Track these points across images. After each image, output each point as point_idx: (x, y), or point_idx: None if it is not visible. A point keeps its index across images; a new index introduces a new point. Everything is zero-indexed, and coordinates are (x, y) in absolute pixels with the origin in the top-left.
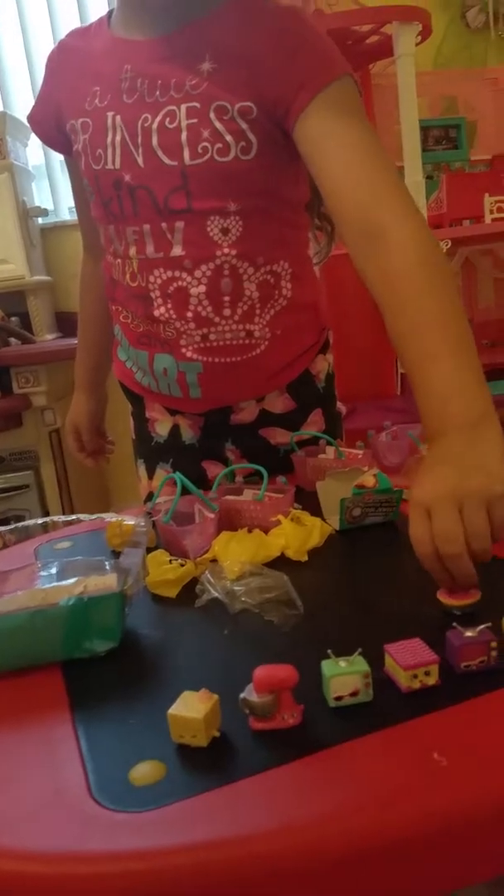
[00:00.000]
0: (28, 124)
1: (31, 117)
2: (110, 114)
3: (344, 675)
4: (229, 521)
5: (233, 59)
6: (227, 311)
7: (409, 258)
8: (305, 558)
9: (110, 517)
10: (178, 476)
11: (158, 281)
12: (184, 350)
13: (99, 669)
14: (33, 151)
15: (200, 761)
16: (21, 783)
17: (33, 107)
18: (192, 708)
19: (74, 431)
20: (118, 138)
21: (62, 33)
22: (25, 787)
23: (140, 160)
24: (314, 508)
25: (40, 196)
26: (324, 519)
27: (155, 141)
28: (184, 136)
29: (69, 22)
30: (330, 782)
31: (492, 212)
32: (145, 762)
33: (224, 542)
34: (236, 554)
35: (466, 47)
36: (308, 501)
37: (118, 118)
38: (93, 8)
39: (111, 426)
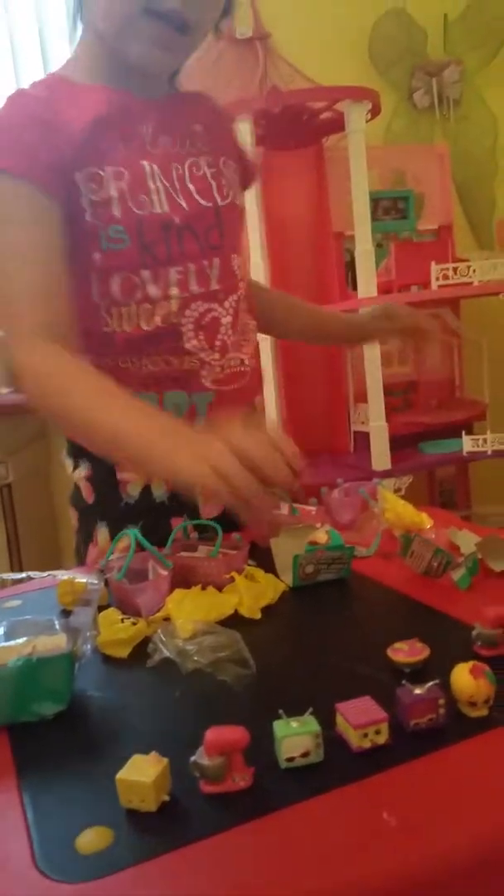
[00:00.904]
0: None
1: (15, 168)
2: (145, 162)
3: (295, 736)
4: (183, 579)
5: (212, 124)
6: (234, 339)
7: None
8: (259, 616)
9: (62, 575)
10: (132, 533)
11: (195, 314)
12: (203, 380)
13: (46, 733)
14: None
15: (150, 826)
16: None
17: (13, 158)
18: (141, 772)
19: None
20: (159, 185)
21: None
22: None
23: (183, 203)
24: (268, 565)
25: None
26: (277, 575)
27: (190, 186)
28: (211, 181)
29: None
30: (281, 845)
31: (438, 279)
32: (92, 829)
33: (178, 600)
34: (190, 612)
35: (414, 124)
36: (262, 558)
37: (154, 167)
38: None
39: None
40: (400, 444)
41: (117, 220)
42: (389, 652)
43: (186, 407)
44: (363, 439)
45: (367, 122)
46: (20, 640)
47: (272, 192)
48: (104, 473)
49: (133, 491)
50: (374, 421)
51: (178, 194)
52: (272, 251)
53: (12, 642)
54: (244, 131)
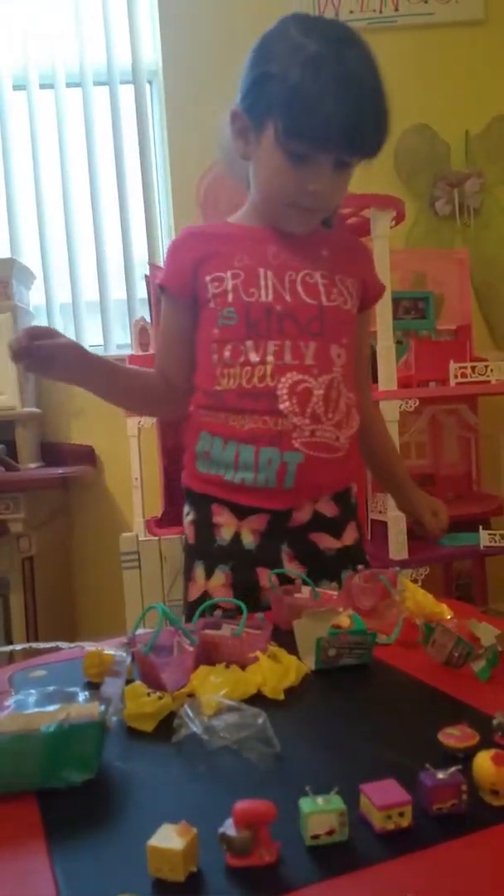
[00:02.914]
0: (163, 288)
1: (167, 284)
2: (261, 269)
3: (321, 814)
4: (207, 655)
5: (340, 250)
6: (330, 415)
7: None
8: (282, 697)
9: (89, 646)
10: (160, 607)
11: (289, 382)
12: (294, 442)
13: (74, 799)
14: (35, 293)
15: None
16: None
17: (166, 277)
18: (171, 840)
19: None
20: (269, 283)
21: (70, 184)
22: None
23: (287, 297)
24: (289, 647)
25: None
26: (299, 657)
27: (299, 287)
28: (321, 287)
29: (77, 175)
30: None
31: (456, 376)
32: (122, 895)
33: (202, 677)
34: (214, 689)
35: (435, 231)
36: (283, 640)
37: (268, 272)
38: (104, 172)
39: (77, 562)
40: (417, 535)
41: (229, 303)
42: (441, 737)
43: (278, 463)
44: (380, 528)
45: (391, 228)
46: (54, 707)
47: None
48: (204, 517)
49: (226, 535)
50: (392, 511)
51: (286, 291)
52: None
53: (46, 708)
54: None
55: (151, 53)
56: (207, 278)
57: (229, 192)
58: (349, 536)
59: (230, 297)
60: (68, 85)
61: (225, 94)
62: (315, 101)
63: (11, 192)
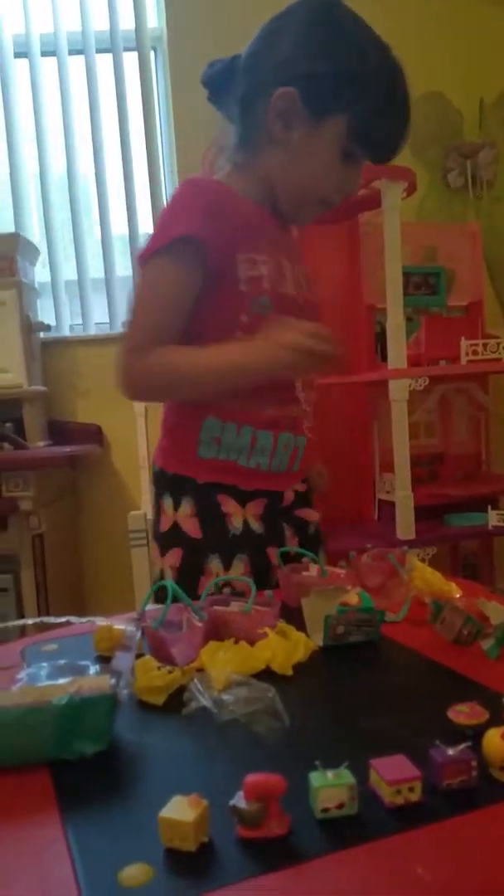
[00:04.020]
0: (186, 237)
1: (200, 236)
2: (282, 259)
3: (331, 787)
4: (216, 632)
5: (297, 242)
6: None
7: None
8: (290, 672)
9: (100, 621)
10: (169, 584)
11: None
12: (304, 426)
13: (87, 772)
14: (39, 270)
15: (188, 866)
16: (9, 881)
17: (197, 226)
18: (182, 812)
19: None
20: (289, 275)
21: (75, 157)
22: (14, 885)
23: (300, 291)
24: (297, 624)
25: (44, 312)
26: (307, 635)
27: (302, 280)
28: (309, 281)
29: (82, 146)
30: (317, 893)
31: (467, 354)
32: (135, 864)
33: (211, 652)
34: (222, 664)
35: (447, 204)
36: (291, 618)
37: (286, 263)
38: (110, 153)
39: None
40: (424, 515)
41: (266, 292)
42: (451, 714)
43: (292, 447)
44: (388, 509)
45: (402, 199)
46: (66, 680)
47: (308, 263)
48: (211, 509)
49: (237, 523)
50: (401, 491)
51: (299, 285)
52: None
53: (58, 681)
54: None
55: (155, 19)
56: (241, 256)
57: None
58: (315, 510)
59: (266, 285)
60: (71, 52)
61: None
62: (390, 114)
63: (15, 164)
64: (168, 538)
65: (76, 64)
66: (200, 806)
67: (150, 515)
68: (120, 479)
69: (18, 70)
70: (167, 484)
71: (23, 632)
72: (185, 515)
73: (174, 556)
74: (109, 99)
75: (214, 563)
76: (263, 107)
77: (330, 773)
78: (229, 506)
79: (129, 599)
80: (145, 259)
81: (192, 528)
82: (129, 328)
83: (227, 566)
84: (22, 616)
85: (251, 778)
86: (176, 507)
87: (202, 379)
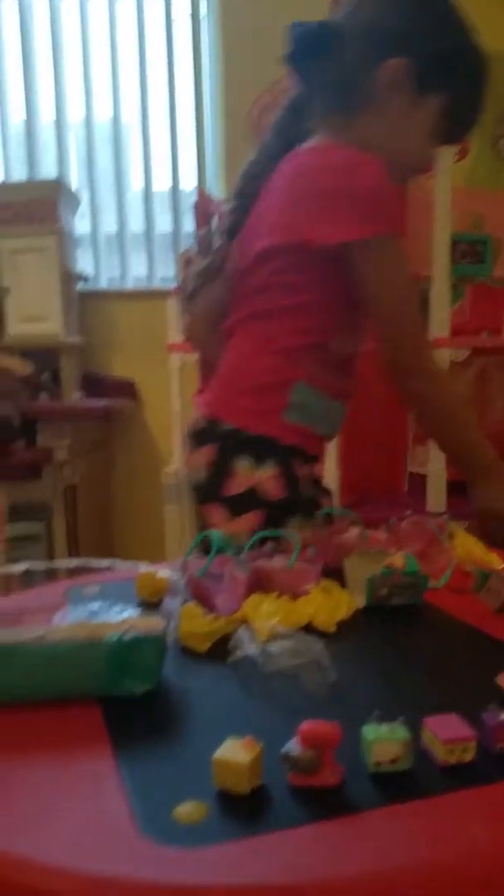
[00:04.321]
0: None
1: (400, 232)
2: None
3: (386, 741)
4: (258, 585)
5: None
6: None
7: None
8: (334, 629)
9: (144, 567)
10: (214, 535)
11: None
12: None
13: (136, 710)
14: (79, 221)
15: (241, 808)
16: (67, 811)
17: (397, 223)
18: (236, 754)
19: None
20: None
21: (122, 111)
22: (71, 814)
23: None
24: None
25: (83, 263)
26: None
27: None
28: None
29: (128, 93)
30: (370, 845)
31: None
32: (189, 802)
33: (255, 604)
34: (266, 616)
35: (497, 172)
36: (331, 578)
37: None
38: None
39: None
40: (455, 489)
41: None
42: (500, 680)
43: (343, 418)
44: (419, 481)
45: (453, 162)
46: (119, 618)
47: None
48: (290, 470)
49: (308, 486)
50: (434, 464)
51: None
52: None
53: (111, 619)
54: None
55: None
56: None
57: None
58: (347, 478)
59: None
60: None
61: (285, 8)
62: (481, 98)
63: (61, 110)
64: (242, 501)
65: (126, 8)
66: (255, 749)
67: (182, 472)
68: (152, 434)
69: (67, 13)
70: (244, 444)
71: (66, 575)
72: (268, 476)
73: (251, 520)
74: (159, 46)
75: (294, 524)
76: (370, 75)
77: (384, 727)
78: (302, 468)
79: (158, 553)
80: (374, 236)
81: (275, 489)
82: (410, 322)
83: (301, 528)
84: None
85: (307, 725)
86: (255, 468)
87: (454, 436)
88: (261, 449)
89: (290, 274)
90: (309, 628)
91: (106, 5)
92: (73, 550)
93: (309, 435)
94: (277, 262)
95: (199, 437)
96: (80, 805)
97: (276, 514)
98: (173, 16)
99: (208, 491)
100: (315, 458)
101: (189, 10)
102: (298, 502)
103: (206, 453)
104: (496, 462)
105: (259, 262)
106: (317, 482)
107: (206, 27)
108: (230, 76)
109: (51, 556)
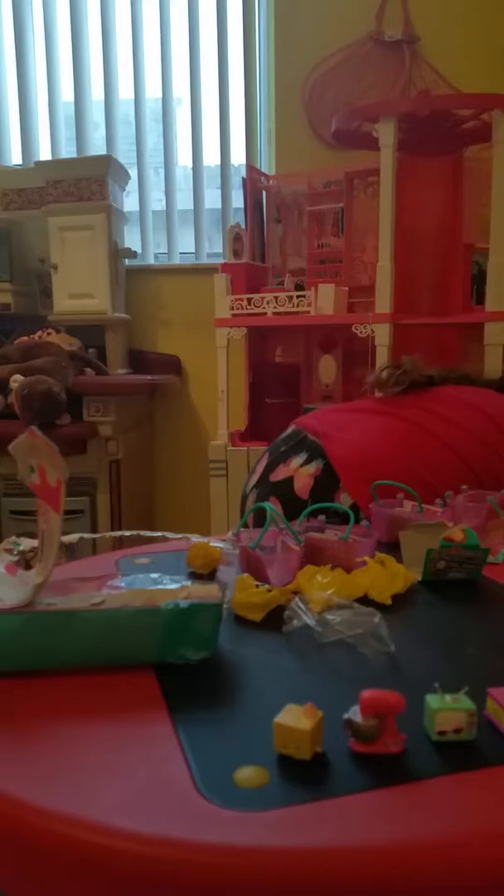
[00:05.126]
0: None
1: None
2: None
3: (449, 711)
4: (311, 558)
5: None
6: None
7: None
8: (389, 602)
9: (196, 538)
10: (268, 506)
11: None
12: None
13: (192, 677)
14: (128, 198)
15: (302, 773)
16: (128, 773)
17: None
18: (298, 720)
19: None
20: None
21: (171, 85)
22: (133, 777)
23: None
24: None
25: (130, 239)
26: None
27: None
28: None
29: (178, 69)
30: (432, 813)
31: None
32: (249, 767)
33: (309, 575)
34: (321, 587)
35: None
36: (385, 553)
37: None
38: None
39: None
40: None
41: None
42: None
43: None
44: None
45: None
46: (176, 585)
47: (406, 196)
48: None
49: None
50: None
51: None
52: (399, 254)
53: (169, 586)
54: (386, 132)
55: None
56: None
57: (337, 89)
58: None
59: None
60: None
61: None
62: None
63: (110, 86)
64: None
65: None
66: (316, 716)
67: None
68: (195, 411)
69: None
70: (308, 444)
71: (119, 544)
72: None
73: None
74: (210, 24)
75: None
76: None
77: (448, 697)
78: None
79: (202, 528)
80: None
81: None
82: None
83: None
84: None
85: (369, 693)
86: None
87: None
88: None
89: None
90: (364, 601)
91: None
92: (117, 525)
93: None
94: None
95: (295, 503)
96: (141, 769)
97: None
98: None
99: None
100: None
101: None
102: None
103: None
104: None
105: None
106: None
107: (259, 2)
108: (281, 51)
109: (95, 530)
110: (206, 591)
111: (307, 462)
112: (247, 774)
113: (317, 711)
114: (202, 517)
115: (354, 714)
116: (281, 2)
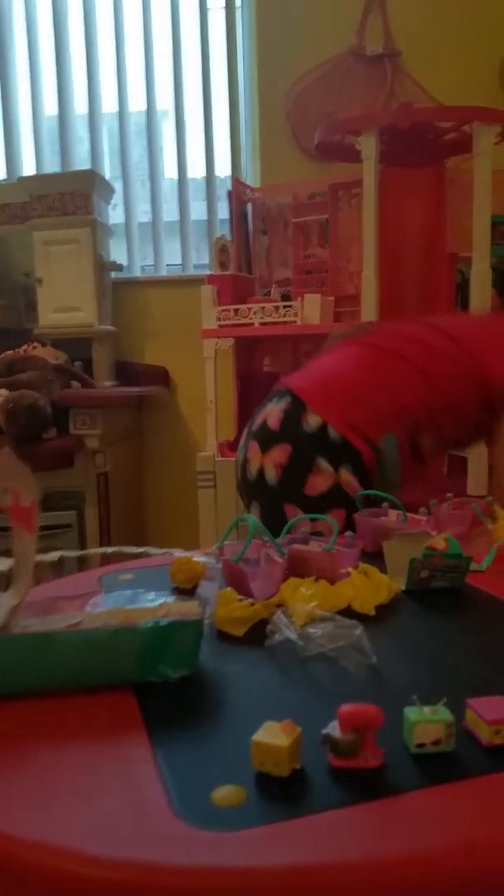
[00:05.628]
0: None
1: None
2: None
3: (428, 723)
4: (295, 570)
5: None
6: None
7: None
8: (373, 612)
9: (178, 553)
10: (251, 520)
11: None
12: None
13: (172, 695)
14: (112, 211)
15: (281, 791)
16: (103, 797)
17: None
18: (276, 737)
19: None
20: None
21: (154, 98)
22: (107, 800)
23: None
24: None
25: (117, 251)
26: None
27: None
28: None
29: (162, 81)
30: (411, 826)
31: None
32: (227, 785)
33: (292, 588)
34: (304, 600)
35: None
36: (370, 563)
37: None
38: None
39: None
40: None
41: None
42: None
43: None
44: (458, 464)
45: (495, 144)
46: (155, 603)
47: (390, 207)
48: (365, 481)
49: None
50: (473, 447)
51: None
52: (384, 264)
53: (148, 604)
54: (368, 145)
55: None
56: None
57: (319, 102)
58: None
59: None
60: None
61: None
62: None
63: (94, 100)
64: (325, 500)
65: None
66: (294, 732)
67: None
68: (184, 422)
69: (101, 4)
70: (330, 447)
71: (102, 560)
72: (349, 480)
73: (335, 518)
74: (192, 37)
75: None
76: None
77: (427, 709)
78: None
79: (191, 540)
80: None
81: (355, 490)
82: None
83: None
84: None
85: (347, 708)
86: (336, 470)
87: None
88: (342, 454)
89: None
90: (348, 612)
91: None
92: (106, 539)
93: (375, 470)
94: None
95: (269, 438)
96: (117, 792)
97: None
98: (208, 5)
99: (283, 491)
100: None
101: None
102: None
103: (279, 454)
104: None
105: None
106: None
107: (241, 16)
108: (264, 65)
109: (83, 544)
110: (186, 608)
111: (278, 402)
112: (224, 793)
113: (295, 728)
114: (192, 529)
115: (333, 729)
116: (263, 17)
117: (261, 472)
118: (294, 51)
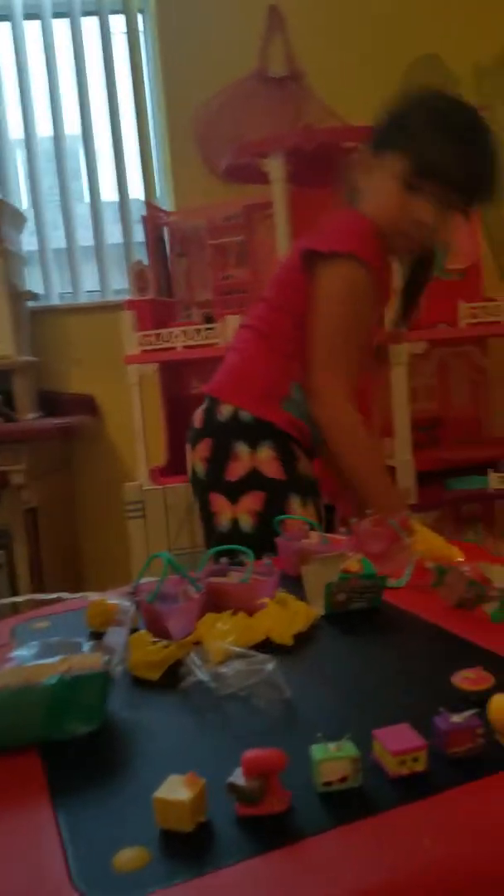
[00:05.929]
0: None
1: (371, 265)
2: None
3: (333, 761)
4: (214, 604)
5: None
6: None
7: None
8: (291, 642)
9: (93, 596)
10: (165, 556)
11: None
12: None
13: (79, 752)
14: (26, 238)
15: (185, 847)
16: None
17: (374, 259)
18: (178, 792)
19: None
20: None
21: (63, 126)
22: (4, 876)
23: None
24: (298, 593)
25: (32, 281)
26: (308, 604)
27: None
28: None
29: (69, 111)
30: (320, 871)
31: (467, 317)
32: (129, 848)
33: (209, 624)
34: (221, 636)
35: None
36: (291, 586)
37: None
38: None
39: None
40: (425, 479)
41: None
42: (455, 680)
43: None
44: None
45: None
46: (56, 658)
47: (303, 226)
48: (289, 454)
49: (307, 470)
50: (401, 455)
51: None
52: None
53: (49, 660)
54: (275, 167)
55: None
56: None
57: (227, 126)
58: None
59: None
60: (55, 15)
61: (221, 24)
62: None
63: (2, 128)
64: (244, 484)
65: (61, 27)
66: (197, 785)
67: (146, 486)
68: (114, 450)
69: (1, 33)
70: (244, 429)
71: (15, 610)
72: (267, 458)
73: (254, 500)
74: (97, 63)
75: (296, 502)
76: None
77: (332, 746)
78: (299, 453)
79: (126, 573)
80: (331, 252)
81: (274, 470)
82: (338, 351)
83: (304, 505)
84: (15, 593)
85: (249, 754)
86: (254, 451)
87: (364, 467)
88: (259, 432)
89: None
90: (266, 644)
91: (40, 25)
92: (37, 578)
93: (300, 428)
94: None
95: (195, 436)
96: (13, 864)
97: (278, 493)
98: (111, 30)
99: (209, 481)
100: (310, 451)
101: (125, 27)
102: (298, 482)
103: (203, 449)
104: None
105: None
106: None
107: (143, 40)
108: (170, 87)
109: (13, 584)
110: (90, 661)
111: (202, 405)
112: (126, 857)
113: (198, 780)
114: (129, 561)
115: (237, 777)
116: (165, 40)
117: (194, 470)
118: (199, 74)
